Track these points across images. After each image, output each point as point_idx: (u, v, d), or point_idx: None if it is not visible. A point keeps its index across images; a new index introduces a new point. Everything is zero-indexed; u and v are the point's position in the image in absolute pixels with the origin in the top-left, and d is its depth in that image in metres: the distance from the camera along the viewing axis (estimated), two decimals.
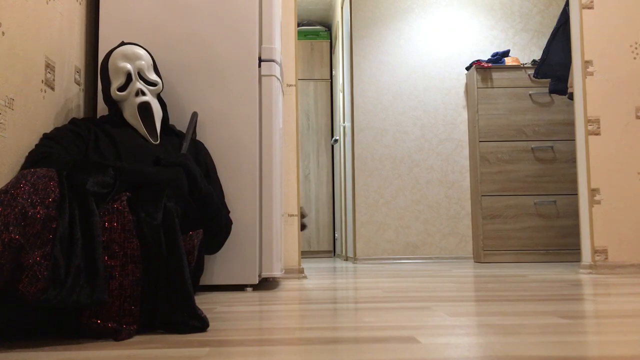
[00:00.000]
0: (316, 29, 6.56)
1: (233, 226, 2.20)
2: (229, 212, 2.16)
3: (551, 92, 4.09)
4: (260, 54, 2.35)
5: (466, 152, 4.90)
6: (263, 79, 2.34)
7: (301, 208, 3.03)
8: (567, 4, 3.64)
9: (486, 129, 4.59)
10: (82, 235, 1.22)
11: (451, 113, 4.94)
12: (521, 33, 5.05)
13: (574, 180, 4.52)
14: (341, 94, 5.58)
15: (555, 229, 4.51)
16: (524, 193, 4.54)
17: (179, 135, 2.14)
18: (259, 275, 2.27)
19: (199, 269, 1.98)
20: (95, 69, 2.41)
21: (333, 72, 6.42)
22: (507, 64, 4.67)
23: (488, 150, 4.57)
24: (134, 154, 1.92)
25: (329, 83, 6.49)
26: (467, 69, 4.88)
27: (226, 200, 2.23)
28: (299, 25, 6.49)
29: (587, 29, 3.26)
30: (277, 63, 2.38)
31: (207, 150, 2.21)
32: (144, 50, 2.07)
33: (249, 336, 1.24)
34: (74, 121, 1.95)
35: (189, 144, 2.06)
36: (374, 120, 4.93)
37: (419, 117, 4.93)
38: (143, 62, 2.04)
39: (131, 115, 2.01)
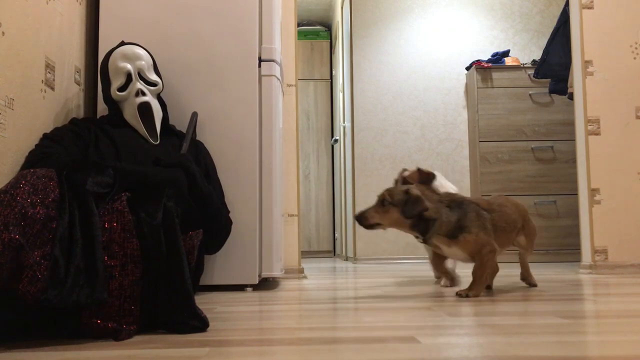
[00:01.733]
0: (316, 29, 6.56)
1: (233, 226, 2.20)
2: (229, 212, 2.16)
3: (551, 92, 4.09)
4: (260, 54, 2.35)
5: (466, 152, 4.90)
6: (263, 79, 2.34)
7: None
8: (567, 4, 3.64)
9: (486, 129, 4.59)
10: (82, 235, 1.22)
11: (451, 113, 4.94)
12: (521, 33, 5.05)
13: (574, 180, 4.51)
14: (341, 94, 5.57)
15: (555, 229, 4.51)
16: (524, 193, 4.54)
17: (179, 135, 2.14)
18: (259, 275, 2.27)
19: (199, 269, 1.98)
20: (95, 69, 2.41)
21: (333, 72, 6.42)
22: (507, 64, 4.67)
23: (488, 150, 4.57)
24: (134, 154, 1.92)
25: (329, 83, 6.49)
26: (467, 69, 4.88)
27: (226, 200, 2.22)
28: (299, 25, 6.48)
29: (587, 29, 3.26)
30: (277, 63, 2.38)
31: (207, 150, 2.21)
32: (144, 50, 2.07)
33: (249, 336, 1.24)
34: (74, 121, 1.95)
35: (189, 144, 2.06)
36: (374, 120, 4.92)
37: (419, 117, 4.93)
38: (143, 62, 2.03)
39: (131, 115, 2.01)
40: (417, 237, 1.99)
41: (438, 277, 2.59)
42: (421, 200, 1.91)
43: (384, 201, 1.94)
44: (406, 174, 2.36)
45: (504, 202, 2.12)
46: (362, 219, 1.95)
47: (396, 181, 2.29)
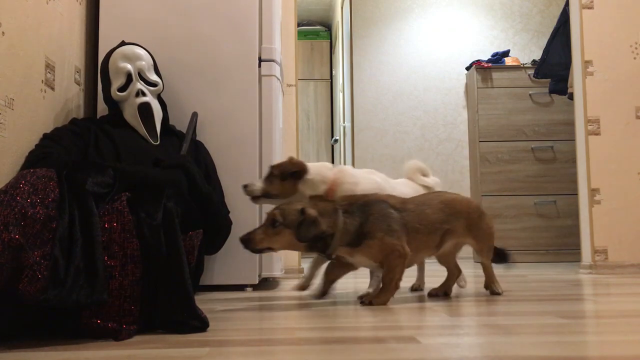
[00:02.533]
0: (316, 29, 6.56)
1: (233, 226, 2.20)
2: (229, 212, 2.16)
3: (551, 92, 4.09)
4: (260, 54, 2.35)
5: (466, 152, 4.90)
6: (263, 79, 2.34)
7: None
8: (567, 4, 3.64)
9: (486, 129, 4.59)
10: (81, 235, 1.22)
11: (451, 113, 4.94)
12: (521, 33, 5.05)
13: (574, 180, 4.50)
14: (341, 94, 5.58)
15: (555, 229, 4.51)
16: (524, 193, 4.54)
17: (179, 135, 2.14)
18: (259, 275, 2.27)
19: (199, 269, 1.98)
20: (95, 69, 2.41)
21: (333, 72, 6.42)
22: (507, 64, 4.67)
23: (488, 150, 4.57)
24: (134, 154, 1.92)
25: (329, 83, 6.49)
26: (467, 69, 4.88)
27: (226, 200, 2.22)
28: (299, 25, 6.48)
29: (587, 29, 3.26)
30: (277, 63, 2.38)
31: (207, 151, 2.21)
32: (145, 51, 2.07)
33: (249, 336, 1.24)
34: (74, 121, 1.95)
35: (189, 144, 2.06)
36: (374, 120, 4.92)
37: (419, 117, 4.93)
38: (143, 63, 2.03)
39: (131, 115, 2.01)
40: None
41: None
42: (317, 222, 1.64)
43: (275, 222, 1.65)
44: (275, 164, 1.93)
45: (427, 201, 1.85)
46: (249, 243, 1.66)
47: (271, 167, 1.88)
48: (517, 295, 2.01)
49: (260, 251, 1.69)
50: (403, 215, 1.76)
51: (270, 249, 1.69)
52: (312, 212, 1.65)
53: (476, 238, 1.94)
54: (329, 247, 1.69)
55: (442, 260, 2.05)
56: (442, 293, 2.01)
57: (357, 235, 1.69)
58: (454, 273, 2.05)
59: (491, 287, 2.01)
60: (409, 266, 1.85)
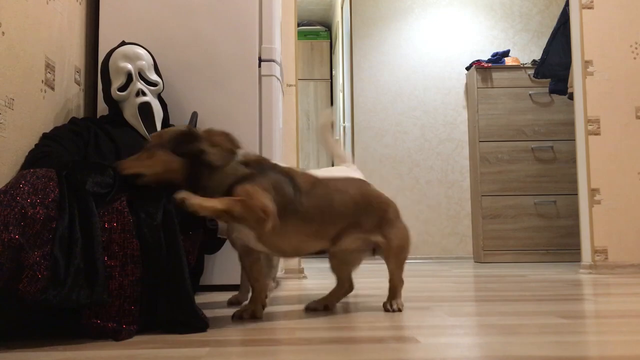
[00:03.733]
0: (316, 29, 6.56)
1: None
2: None
3: (551, 92, 4.09)
4: (260, 54, 2.35)
5: (466, 152, 4.90)
6: (263, 79, 2.34)
7: None
8: (567, 4, 3.64)
9: (486, 129, 4.59)
10: (81, 235, 1.22)
11: (451, 113, 4.94)
12: (521, 33, 5.05)
13: (574, 180, 4.51)
14: (341, 94, 5.58)
15: (555, 229, 4.50)
16: (524, 193, 4.54)
17: None
18: None
19: (199, 269, 1.98)
20: (95, 69, 2.41)
21: (333, 72, 6.42)
22: (507, 64, 4.67)
23: (488, 150, 4.57)
24: (134, 154, 1.92)
25: (329, 83, 6.49)
26: (467, 69, 4.88)
27: None
28: (299, 25, 6.48)
29: (587, 29, 3.26)
30: (277, 63, 2.38)
31: None
32: (145, 50, 2.07)
33: (249, 336, 1.24)
34: (73, 121, 1.95)
35: None
36: (374, 120, 4.92)
37: (419, 117, 4.93)
38: (144, 62, 2.03)
39: (131, 115, 2.01)
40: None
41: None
42: (199, 139, 1.42)
43: (149, 147, 1.45)
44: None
45: (344, 188, 1.59)
46: (119, 169, 1.43)
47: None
48: (517, 295, 2.01)
49: (132, 178, 1.42)
50: (301, 198, 1.46)
51: (140, 175, 1.42)
52: (198, 131, 1.44)
53: (387, 237, 1.62)
54: (205, 180, 1.39)
55: (335, 266, 1.74)
56: (322, 307, 1.68)
57: (234, 182, 1.39)
58: (344, 286, 1.73)
59: (390, 303, 1.64)
60: (297, 256, 1.55)
